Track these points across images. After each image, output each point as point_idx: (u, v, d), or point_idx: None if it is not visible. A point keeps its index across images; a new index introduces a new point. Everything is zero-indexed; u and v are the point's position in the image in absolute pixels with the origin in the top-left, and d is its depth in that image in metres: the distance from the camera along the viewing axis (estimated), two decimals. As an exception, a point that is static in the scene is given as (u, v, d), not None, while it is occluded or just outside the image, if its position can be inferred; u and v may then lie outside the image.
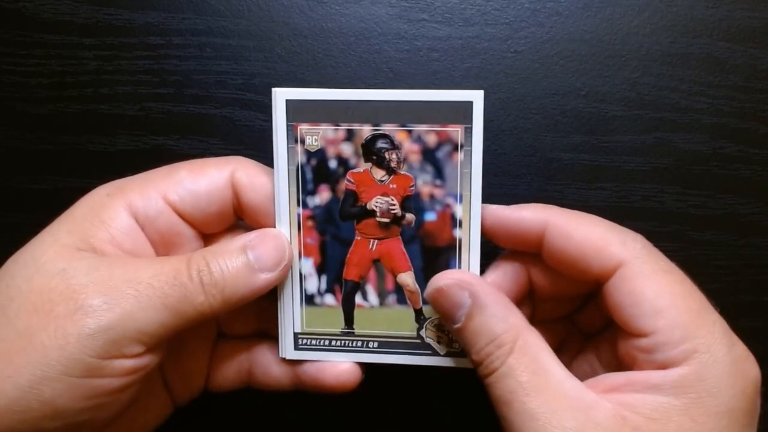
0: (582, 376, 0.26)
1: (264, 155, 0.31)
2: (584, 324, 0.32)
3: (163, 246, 0.29)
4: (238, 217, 0.30)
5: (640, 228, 0.28)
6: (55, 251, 0.26)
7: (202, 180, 0.29)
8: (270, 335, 0.32)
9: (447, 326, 0.29)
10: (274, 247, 0.28)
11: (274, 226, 0.30)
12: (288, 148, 0.29)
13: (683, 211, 0.36)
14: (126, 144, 0.36)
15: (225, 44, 0.36)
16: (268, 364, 0.32)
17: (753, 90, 0.36)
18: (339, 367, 0.30)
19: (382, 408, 0.37)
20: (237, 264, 0.27)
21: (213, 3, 0.36)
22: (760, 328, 0.37)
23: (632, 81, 0.36)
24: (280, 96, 0.29)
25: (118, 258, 0.26)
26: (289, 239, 0.29)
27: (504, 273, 0.30)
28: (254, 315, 0.33)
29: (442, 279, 0.28)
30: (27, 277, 0.25)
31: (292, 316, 0.30)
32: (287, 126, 0.29)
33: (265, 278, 0.28)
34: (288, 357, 0.31)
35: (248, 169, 0.29)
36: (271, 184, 0.29)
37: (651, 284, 0.26)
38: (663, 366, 0.25)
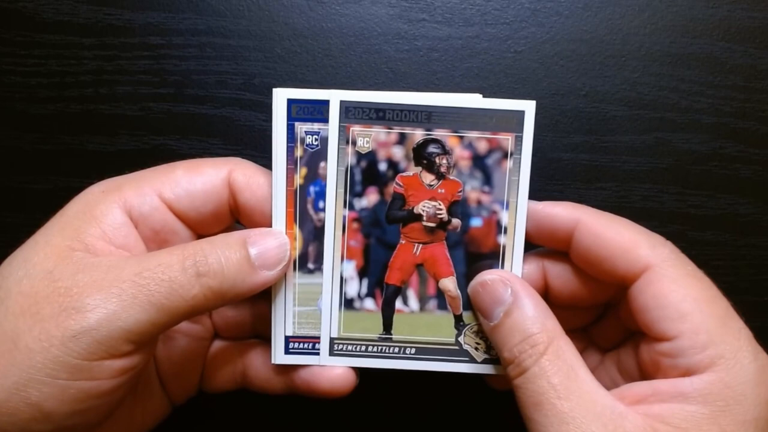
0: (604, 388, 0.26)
1: (264, 155, 0.31)
2: (601, 337, 0.32)
3: (156, 244, 0.28)
4: (235, 219, 0.30)
5: (639, 228, 0.28)
6: (46, 253, 0.25)
7: (199, 179, 0.28)
8: (265, 338, 0.32)
9: (483, 325, 0.29)
10: (277, 245, 0.28)
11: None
12: (338, 149, 0.29)
13: (683, 211, 0.36)
14: (126, 144, 0.36)
15: (225, 44, 0.36)
16: (262, 368, 0.31)
17: (753, 90, 0.36)
18: (333, 372, 0.30)
19: (382, 410, 0.37)
20: (237, 257, 0.26)
21: (213, 3, 0.36)
22: (760, 328, 0.37)
23: (632, 81, 0.36)
24: (335, 97, 0.29)
25: (107, 257, 0.26)
26: (289, 242, 0.29)
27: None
28: (251, 317, 0.32)
29: (487, 274, 0.29)
30: (17, 280, 0.25)
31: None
32: (339, 127, 0.29)
33: (264, 276, 0.27)
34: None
35: (246, 169, 0.29)
36: (269, 185, 0.29)
37: (677, 288, 0.26)
38: (687, 372, 0.25)
